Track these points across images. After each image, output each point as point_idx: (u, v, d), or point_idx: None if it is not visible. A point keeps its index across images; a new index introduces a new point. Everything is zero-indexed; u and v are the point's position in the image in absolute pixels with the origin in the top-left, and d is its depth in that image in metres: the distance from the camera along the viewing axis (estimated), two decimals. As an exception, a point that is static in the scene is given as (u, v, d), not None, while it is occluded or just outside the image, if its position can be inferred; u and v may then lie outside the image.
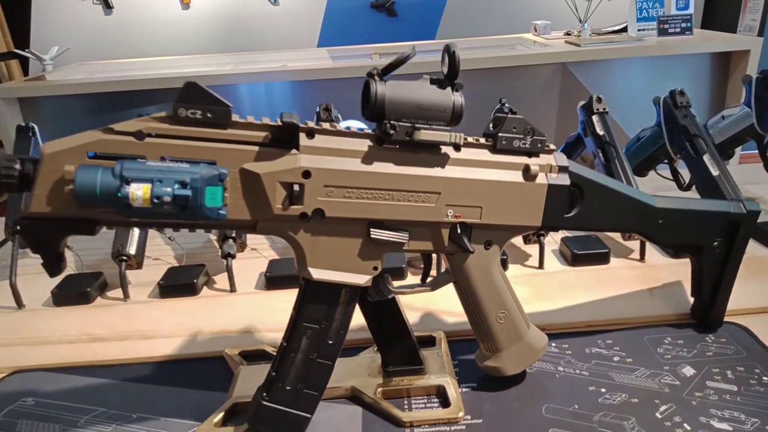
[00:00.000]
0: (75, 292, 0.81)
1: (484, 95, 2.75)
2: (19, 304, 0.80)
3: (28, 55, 3.14)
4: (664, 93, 0.95)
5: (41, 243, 0.47)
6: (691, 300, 0.72)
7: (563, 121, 2.82)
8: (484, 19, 3.98)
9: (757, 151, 1.00)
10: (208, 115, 0.46)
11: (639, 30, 2.96)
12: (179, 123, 0.46)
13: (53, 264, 0.48)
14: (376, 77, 0.50)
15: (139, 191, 0.42)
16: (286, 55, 3.36)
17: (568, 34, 3.10)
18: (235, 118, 0.48)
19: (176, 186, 0.44)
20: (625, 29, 3.06)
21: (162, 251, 0.94)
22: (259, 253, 0.92)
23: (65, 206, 0.45)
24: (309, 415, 0.55)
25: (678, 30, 2.88)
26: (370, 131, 0.53)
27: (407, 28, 3.99)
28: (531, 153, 0.56)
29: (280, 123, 0.49)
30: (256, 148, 0.49)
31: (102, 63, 3.38)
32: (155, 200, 0.43)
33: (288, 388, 0.54)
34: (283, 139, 0.49)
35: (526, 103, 2.78)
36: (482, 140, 0.56)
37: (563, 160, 0.58)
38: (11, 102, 2.57)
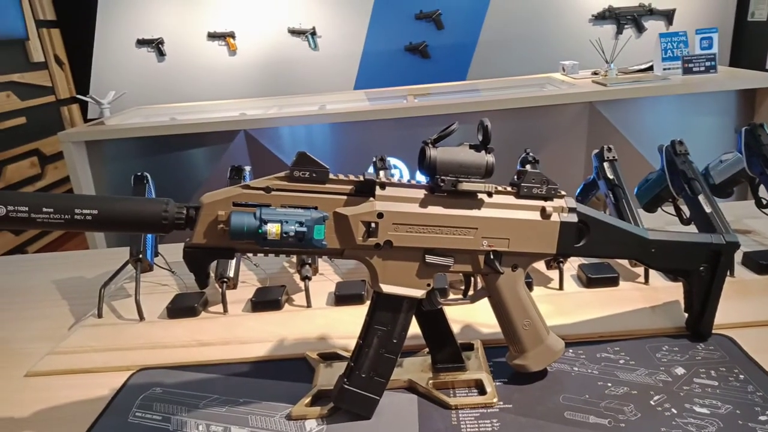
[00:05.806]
0: (185, 307, 0.99)
1: (515, 133, 2.89)
2: (141, 317, 0.99)
3: (89, 99, 3.34)
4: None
5: (197, 264, 0.66)
6: (686, 315, 0.86)
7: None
8: (513, 60, 4.08)
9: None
10: (313, 175, 0.66)
11: (664, 69, 3.02)
12: (293, 181, 0.66)
13: (203, 279, 0.67)
14: (430, 145, 0.68)
15: (273, 228, 0.61)
16: (325, 97, 3.51)
17: (595, 73, 3.18)
18: (330, 176, 0.67)
19: (296, 225, 0.62)
20: (650, 68, 3.13)
21: (248, 275, 1.12)
22: (326, 277, 1.09)
23: (217, 239, 0.64)
24: (378, 398, 0.72)
25: (702, 69, 2.93)
26: (425, 183, 0.71)
27: (440, 70, 4.13)
28: (546, 198, 0.74)
29: (362, 179, 0.68)
30: (345, 197, 0.67)
31: (157, 107, 3.58)
32: (284, 235, 0.62)
33: (363, 375, 0.71)
34: (364, 190, 0.68)
35: (555, 140, 2.86)
36: (509, 188, 0.73)
37: (572, 202, 0.75)
38: (79, 145, 2.78)
